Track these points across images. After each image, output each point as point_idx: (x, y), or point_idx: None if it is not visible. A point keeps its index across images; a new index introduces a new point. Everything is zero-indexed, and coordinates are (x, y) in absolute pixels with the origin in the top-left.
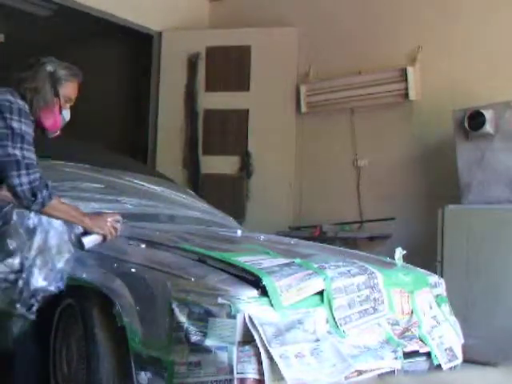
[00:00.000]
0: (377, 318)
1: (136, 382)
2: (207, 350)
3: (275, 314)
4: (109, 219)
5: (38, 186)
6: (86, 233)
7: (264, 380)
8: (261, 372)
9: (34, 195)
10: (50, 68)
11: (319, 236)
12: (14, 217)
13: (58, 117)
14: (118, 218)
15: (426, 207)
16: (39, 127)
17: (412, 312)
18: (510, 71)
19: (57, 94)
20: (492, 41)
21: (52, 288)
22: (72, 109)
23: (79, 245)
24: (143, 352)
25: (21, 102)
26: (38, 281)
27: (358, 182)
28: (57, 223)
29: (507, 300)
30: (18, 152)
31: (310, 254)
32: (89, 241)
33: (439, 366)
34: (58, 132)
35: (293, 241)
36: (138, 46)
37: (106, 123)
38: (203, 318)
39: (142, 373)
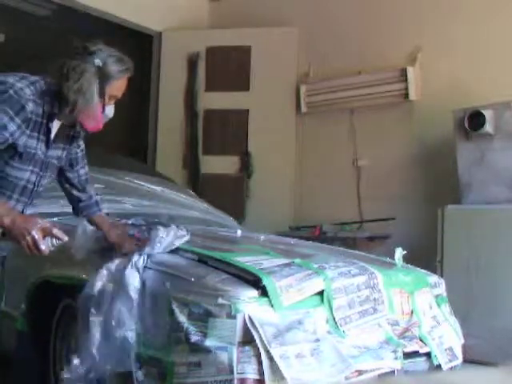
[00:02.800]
0: (377, 319)
1: (136, 382)
2: (207, 350)
3: (275, 315)
4: (33, 233)
5: None
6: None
7: (264, 380)
8: (261, 372)
9: None
10: (98, 62)
11: (319, 236)
12: None
13: (101, 117)
14: (55, 234)
15: (426, 207)
16: (79, 125)
17: (412, 312)
18: (510, 71)
19: (103, 94)
20: (492, 41)
21: None
22: None
23: None
24: (143, 352)
25: (20, 86)
26: None
27: (358, 182)
28: None
29: (507, 300)
30: None
31: (309, 254)
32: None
33: (439, 366)
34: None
35: (293, 241)
36: (138, 45)
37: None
38: (203, 318)
39: (142, 373)
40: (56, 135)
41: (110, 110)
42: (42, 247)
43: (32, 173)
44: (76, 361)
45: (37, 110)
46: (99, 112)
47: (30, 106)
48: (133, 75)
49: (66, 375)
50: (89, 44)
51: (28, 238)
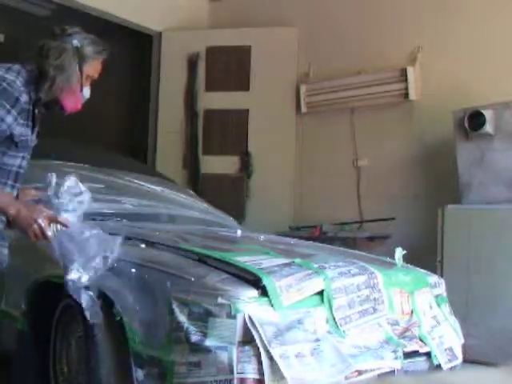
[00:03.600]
0: (377, 318)
1: (136, 382)
2: (207, 350)
3: (275, 314)
4: (39, 221)
5: None
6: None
7: (264, 380)
8: (261, 372)
9: None
10: (76, 42)
11: (319, 236)
12: None
13: (80, 97)
14: (60, 220)
15: (426, 207)
16: (58, 105)
17: (412, 312)
18: (510, 71)
19: (81, 73)
20: (492, 41)
21: None
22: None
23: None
24: (143, 352)
25: (11, 78)
26: None
27: (358, 182)
28: None
29: (507, 300)
30: None
31: (309, 254)
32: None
33: (439, 366)
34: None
35: (293, 241)
36: (138, 45)
37: (106, 123)
38: (203, 318)
39: (142, 373)
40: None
41: (87, 92)
42: (49, 233)
43: (23, 158)
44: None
45: (27, 99)
46: (78, 91)
47: (23, 98)
48: (132, 75)
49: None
50: (66, 27)
51: (35, 225)
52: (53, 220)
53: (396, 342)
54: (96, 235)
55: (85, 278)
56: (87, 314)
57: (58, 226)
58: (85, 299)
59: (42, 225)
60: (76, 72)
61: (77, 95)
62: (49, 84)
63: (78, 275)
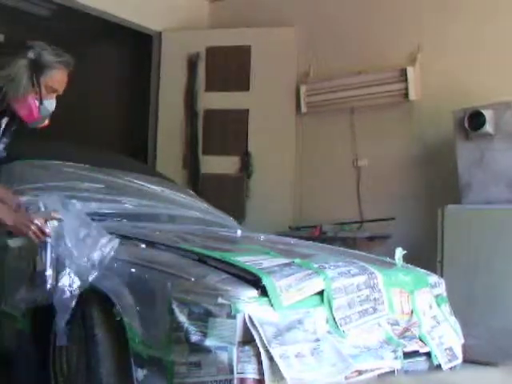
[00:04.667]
0: (377, 318)
1: (136, 382)
2: (207, 350)
3: (275, 314)
4: (35, 221)
5: None
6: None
7: (264, 380)
8: (261, 372)
9: None
10: (31, 54)
11: (319, 236)
12: None
13: (34, 107)
14: (53, 216)
15: (426, 207)
16: (16, 115)
17: (412, 312)
18: (509, 71)
19: (37, 83)
20: (492, 41)
21: None
22: (72, 108)
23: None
24: (143, 352)
25: None
26: None
27: (358, 182)
28: None
29: (507, 300)
30: None
31: (310, 254)
32: (14, 242)
33: (439, 366)
34: (44, 123)
35: (293, 241)
36: (138, 45)
37: (105, 123)
38: (203, 318)
39: (142, 373)
40: None
41: (51, 104)
42: (47, 230)
43: None
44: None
45: None
46: (32, 102)
47: None
48: (132, 75)
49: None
50: (28, 41)
51: (32, 227)
52: (47, 217)
53: (396, 342)
54: (92, 235)
55: (76, 284)
56: (57, 336)
57: (55, 222)
58: (60, 319)
59: (39, 224)
60: (28, 83)
61: (30, 105)
62: (1, 96)
63: (69, 281)
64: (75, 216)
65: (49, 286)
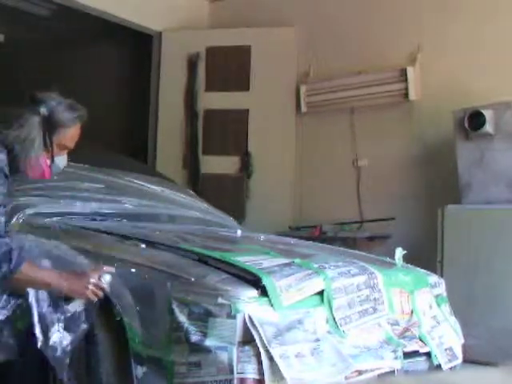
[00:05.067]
0: (377, 318)
1: (136, 381)
2: (207, 350)
3: (275, 314)
4: (91, 280)
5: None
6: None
7: (264, 380)
8: (261, 372)
9: None
10: (44, 110)
11: (319, 236)
12: None
13: (46, 167)
14: (105, 270)
15: (426, 207)
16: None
17: (412, 312)
18: (509, 71)
19: (50, 142)
20: (492, 41)
21: None
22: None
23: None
24: (143, 352)
25: None
26: None
27: (358, 182)
28: None
29: (507, 300)
30: None
31: (310, 254)
32: (73, 306)
33: (439, 366)
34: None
35: (293, 241)
36: (138, 45)
37: (105, 123)
38: (203, 318)
39: (142, 373)
40: None
41: (62, 161)
42: (105, 285)
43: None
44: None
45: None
46: (43, 163)
47: (4, 169)
48: (132, 75)
49: None
50: (38, 93)
51: (90, 286)
52: (100, 272)
53: (396, 342)
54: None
55: (67, 340)
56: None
57: (107, 277)
58: (60, 374)
59: (95, 281)
60: (40, 143)
61: (41, 167)
62: (11, 156)
63: (59, 337)
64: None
65: (40, 343)
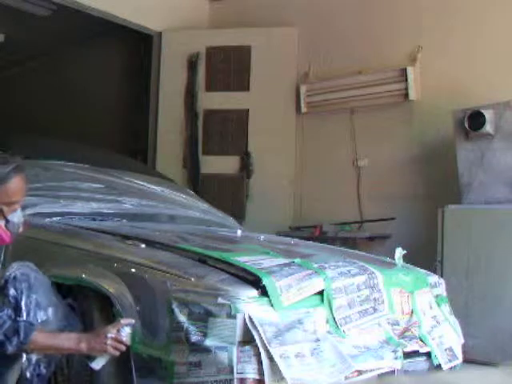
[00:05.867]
0: (377, 318)
1: (136, 381)
2: (207, 350)
3: (275, 314)
4: (109, 335)
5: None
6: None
7: (264, 380)
8: (261, 372)
9: (2, 345)
10: None
11: (319, 236)
12: None
13: (3, 231)
14: (123, 323)
15: (426, 207)
16: None
17: (412, 312)
18: (509, 71)
19: None
20: (492, 41)
21: None
22: (72, 108)
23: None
24: (143, 352)
25: None
26: None
27: (358, 182)
28: None
29: (507, 300)
30: None
31: (309, 254)
32: (97, 363)
33: (439, 366)
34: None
35: (293, 241)
36: (138, 45)
37: (105, 123)
38: (203, 318)
39: (142, 373)
40: None
41: (16, 216)
42: (124, 339)
43: None
44: None
45: None
46: None
47: None
48: (132, 75)
49: None
50: None
51: (109, 341)
52: (118, 326)
53: (396, 342)
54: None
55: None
56: None
57: (127, 329)
58: None
59: (114, 335)
60: None
61: None
62: None
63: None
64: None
65: None
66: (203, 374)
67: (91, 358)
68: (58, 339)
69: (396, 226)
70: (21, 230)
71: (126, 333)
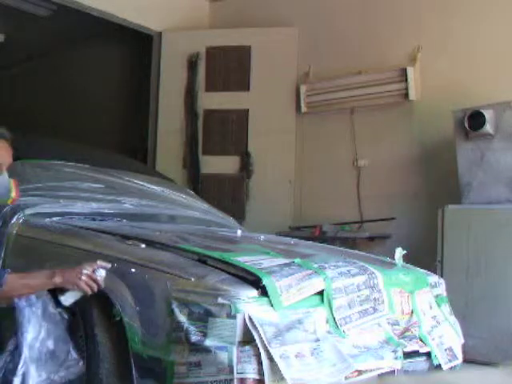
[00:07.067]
0: (377, 318)
1: (136, 381)
2: (207, 350)
3: (275, 314)
4: (84, 271)
5: None
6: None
7: (264, 380)
8: (261, 372)
9: None
10: None
11: (319, 236)
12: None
13: None
14: (99, 264)
15: (426, 207)
16: None
17: (412, 312)
18: (509, 71)
19: None
20: (492, 41)
21: None
22: (72, 108)
23: (57, 302)
24: (143, 352)
25: None
26: None
27: (358, 182)
28: None
29: (507, 300)
30: None
31: (309, 254)
32: (66, 298)
33: (439, 366)
34: (11, 196)
35: (293, 241)
36: (138, 45)
37: (105, 123)
38: (203, 318)
39: (142, 373)
40: None
41: (2, 179)
42: (98, 277)
43: None
44: None
45: None
46: None
47: None
48: (132, 75)
49: None
50: None
51: (83, 277)
52: (94, 266)
53: (396, 342)
54: (59, 348)
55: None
56: None
57: (102, 271)
58: None
59: (89, 272)
60: None
61: None
62: None
63: None
64: (41, 319)
65: None
66: (203, 374)
67: (62, 293)
68: (31, 276)
69: (396, 226)
70: (14, 194)
71: (100, 274)
